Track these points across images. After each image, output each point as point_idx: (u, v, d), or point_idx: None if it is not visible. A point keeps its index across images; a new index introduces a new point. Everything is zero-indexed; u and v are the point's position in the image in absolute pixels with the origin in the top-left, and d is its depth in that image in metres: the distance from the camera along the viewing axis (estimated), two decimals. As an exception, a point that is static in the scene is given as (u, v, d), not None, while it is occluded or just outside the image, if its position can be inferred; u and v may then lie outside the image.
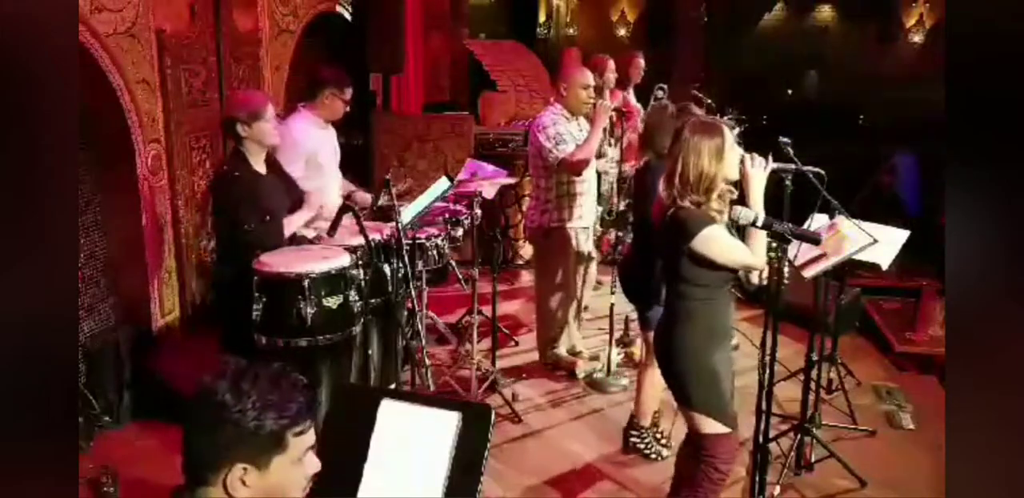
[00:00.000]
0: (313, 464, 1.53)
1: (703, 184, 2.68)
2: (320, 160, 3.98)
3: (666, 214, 2.76)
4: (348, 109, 4.10)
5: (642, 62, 6.29)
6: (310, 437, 1.51)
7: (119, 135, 3.95)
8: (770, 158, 2.85)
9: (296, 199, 3.59)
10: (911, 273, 5.79)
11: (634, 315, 4.74)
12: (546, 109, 4.46)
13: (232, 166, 3.40)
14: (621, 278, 3.98)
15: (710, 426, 2.79)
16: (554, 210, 4.37)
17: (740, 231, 2.80)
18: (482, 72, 8.09)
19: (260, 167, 3.45)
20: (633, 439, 3.80)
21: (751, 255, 2.73)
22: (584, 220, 4.46)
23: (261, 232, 3.32)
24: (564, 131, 4.26)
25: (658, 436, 3.83)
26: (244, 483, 1.43)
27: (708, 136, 2.69)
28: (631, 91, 6.29)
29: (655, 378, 3.72)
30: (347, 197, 4.10)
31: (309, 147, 3.91)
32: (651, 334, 3.65)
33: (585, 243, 4.53)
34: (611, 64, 5.64)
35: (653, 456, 3.74)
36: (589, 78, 4.41)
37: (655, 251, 3.07)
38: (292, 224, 3.52)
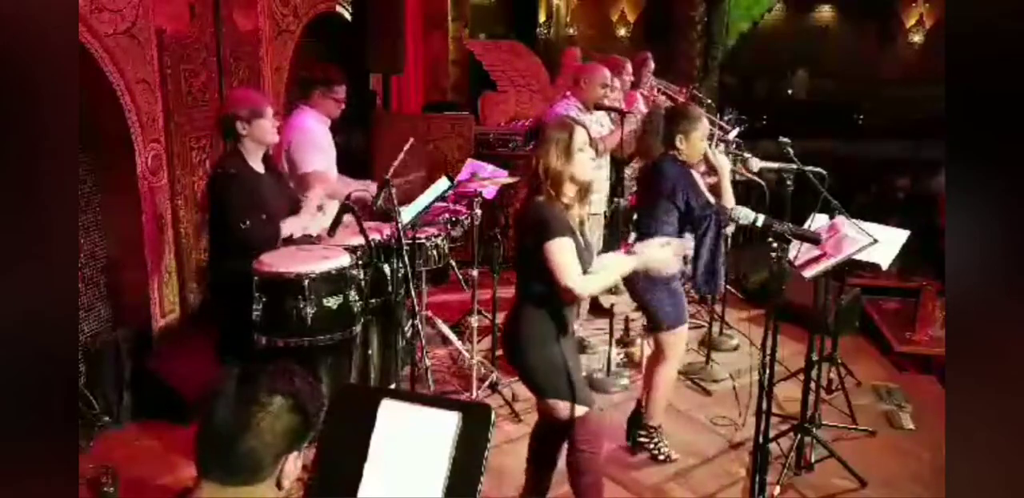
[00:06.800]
0: None
1: (550, 179, 2.75)
2: (327, 152, 4.03)
3: (528, 208, 2.83)
4: (343, 106, 4.07)
5: (651, 63, 6.32)
6: None
7: (119, 135, 3.94)
8: (753, 158, 2.89)
9: (292, 201, 3.58)
10: (911, 273, 5.80)
11: (634, 315, 4.75)
12: (561, 101, 4.51)
13: (230, 164, 3.35)
14: None
15: (566, 410, 2.85)
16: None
17: (746, 232, 2.81)
18: (482, 72, 8.09)
19: (258, 166, 3.42)
20: (642, 439, 3.75)
21: (575, 277, 2.71)
22: (593, 207, 4.41)
23: (256, 231, 3.30)
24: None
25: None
26: (293, 469, 1.54)
27: (557, 132, 2.79)
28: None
29: (670, 376, 3.68)
30: (347, 197, 4.09)
31: (321, 141, 3.96)
32: (660, 335, 3.63)
33: (591, 232, 4.47)
34: (629, 67, 5.64)
35: (662, 457, 3.70)
36: (608, 77, 4.60)
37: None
38: (288, 227, 3.50)
